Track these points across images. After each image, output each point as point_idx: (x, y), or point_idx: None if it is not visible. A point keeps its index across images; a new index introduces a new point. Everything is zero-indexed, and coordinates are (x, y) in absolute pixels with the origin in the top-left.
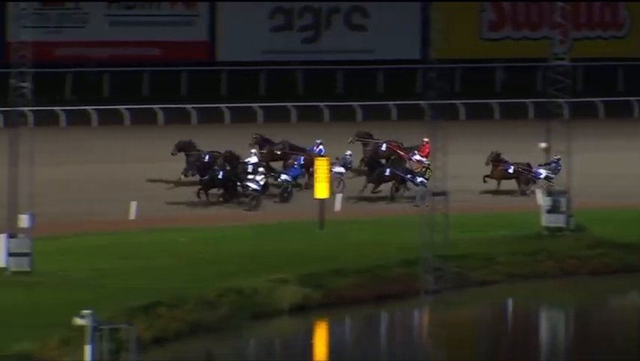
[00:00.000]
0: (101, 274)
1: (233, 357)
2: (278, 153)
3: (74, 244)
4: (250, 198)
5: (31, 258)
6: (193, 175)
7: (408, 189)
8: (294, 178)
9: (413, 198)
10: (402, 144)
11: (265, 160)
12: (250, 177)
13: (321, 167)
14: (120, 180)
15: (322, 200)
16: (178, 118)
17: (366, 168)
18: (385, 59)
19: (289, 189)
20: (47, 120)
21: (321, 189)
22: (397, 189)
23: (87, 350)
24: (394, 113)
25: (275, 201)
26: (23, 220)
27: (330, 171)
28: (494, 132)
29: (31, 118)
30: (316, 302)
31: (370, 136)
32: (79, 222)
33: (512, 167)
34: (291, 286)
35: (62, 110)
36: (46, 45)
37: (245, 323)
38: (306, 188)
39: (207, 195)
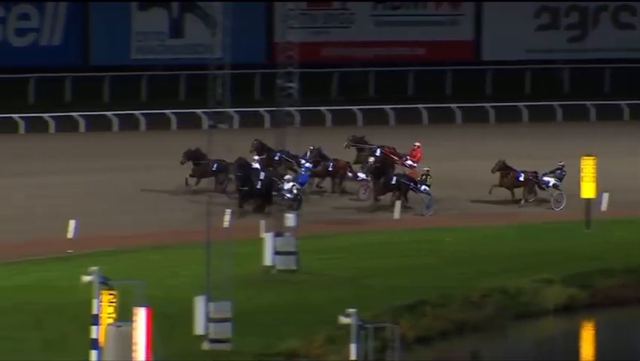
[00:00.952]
0: (364, 273)
1: (499, 357)
2: (277, 159)
3: (339, 243)
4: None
5: (297, 256)
6: (197, 183)
7: (407, 199)
8: (302, 185)
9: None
10: (395, 149)
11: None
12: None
13: (587, 166)
14: None
15: (589, 200)
16: (442, 117)
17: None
18: None
19: (299, 196)
20: (313, 120)
21: (588, 189)
22: (399, 198)
23: (352, 348)
24: None
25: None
26: (289, 219)
27: (356, 177)
28: None
29: (297, 118)
30: (582, 303)
31: (364, 141)
32: (343, 221)
33: (522, 174)
34: (556, 286)
35: (327, 110)
36: (312, 45)
37: (509, 323)
38: (334, 192)
39: (243, 205)
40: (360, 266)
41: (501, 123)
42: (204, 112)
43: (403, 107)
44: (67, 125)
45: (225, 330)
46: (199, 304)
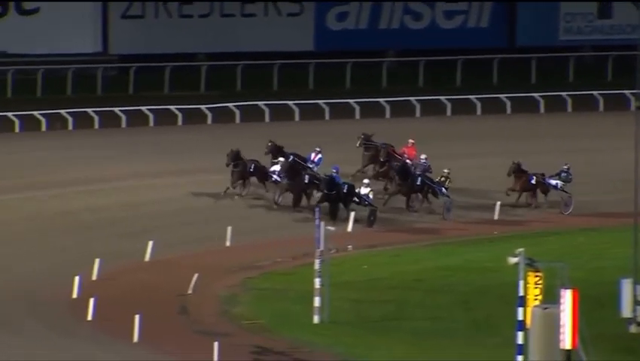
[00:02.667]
0: None
1: None
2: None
3: None
4: (368, 214)
5: None
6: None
7: (430, 202)
8: None
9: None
10: (393, 147)
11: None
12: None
13: None
14: None
15: None
16: None
17: (397, 177)
18: None
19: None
20: None
21: None
22: (427, 200)
23: None
24: None
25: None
26: None
27: None
28: None
29: None
30: None
31: (372, 140)
32: None
33: (534, 177)
34: None
35: None
36: None
37: None
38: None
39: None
40: None
41: None
42: (632, 93)
43: None
44: (493, 107)
45: None
46: (625, 287)
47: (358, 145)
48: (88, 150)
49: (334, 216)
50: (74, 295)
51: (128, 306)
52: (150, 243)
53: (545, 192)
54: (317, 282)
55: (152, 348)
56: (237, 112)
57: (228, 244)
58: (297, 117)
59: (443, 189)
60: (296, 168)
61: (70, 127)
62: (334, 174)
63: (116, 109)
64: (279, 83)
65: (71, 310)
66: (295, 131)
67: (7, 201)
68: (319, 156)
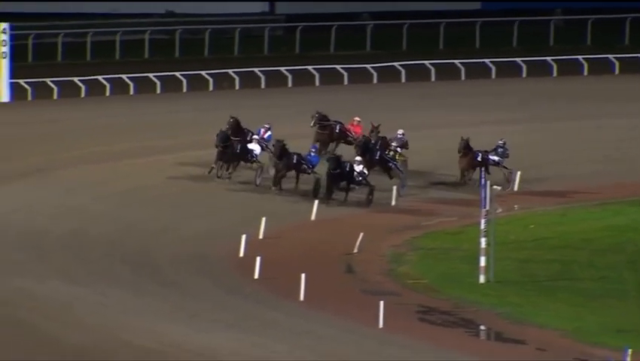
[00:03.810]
0: None
1: None
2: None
3: None
4: (367, 194)
5: None
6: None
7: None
8: (314, 167)
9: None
10: (343, 125)
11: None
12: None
13: None
14: None
15: None
16: None
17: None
18: None
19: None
20: None
21: None
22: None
23: None
24: None
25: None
26: None
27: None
28: None
29: None
30: None
31: (327, 119)
32: None
33: (480, 154)
34: None
35: None
36: None
37: None
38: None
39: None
40: None
41: None
42: None
43: None
44: None
45: None
46: None
47: (312, 125)
48: (255, 110)
49: (329, 195)
50: (241, 254)
51: (294, 265)
52: (316, 202)
53: (487, 168)
54: (482, 242)
55: (318, 307)
56: (402, 71)
57: (393, 203)
58: (462, 76)
59: (398, 164)
60: (285, 149)
61: (237, 86)
62: (313, 154)
63: (282, 68)
64: (445, 42)
65: (238, 269)
66: (460, 91)
67: (176, 160)
68: (269, 132)
